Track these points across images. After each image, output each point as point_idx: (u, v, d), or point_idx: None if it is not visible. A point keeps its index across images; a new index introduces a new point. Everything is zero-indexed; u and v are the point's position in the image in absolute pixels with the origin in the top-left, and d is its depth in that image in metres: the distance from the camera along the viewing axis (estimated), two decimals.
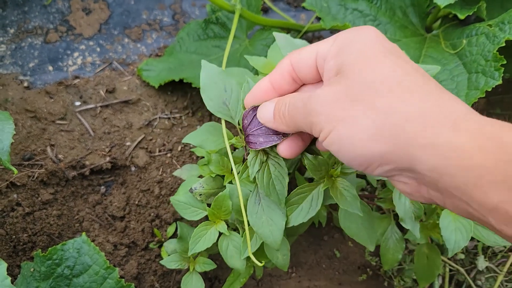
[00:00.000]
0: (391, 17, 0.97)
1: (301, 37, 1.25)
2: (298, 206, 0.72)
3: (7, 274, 0.94)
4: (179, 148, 1.09)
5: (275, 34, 0.72)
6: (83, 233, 0.83)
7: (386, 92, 0.42)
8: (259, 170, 0.66)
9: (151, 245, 1.01)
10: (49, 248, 0.80)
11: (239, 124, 0.72)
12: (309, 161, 0.68)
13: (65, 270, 0.81)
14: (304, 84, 0.59)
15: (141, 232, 1.02)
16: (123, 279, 0.80)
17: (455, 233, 0.74)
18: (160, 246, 1.01)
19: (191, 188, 0.79)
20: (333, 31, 1.31)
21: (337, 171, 0.68)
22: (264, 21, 1.10)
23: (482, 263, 1.03)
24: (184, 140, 0.79)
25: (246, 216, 0.74)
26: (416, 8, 0.99)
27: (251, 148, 0.63)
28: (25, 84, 1.12)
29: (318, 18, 1.31)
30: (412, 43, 0.94)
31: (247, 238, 0.74)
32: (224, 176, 0.80)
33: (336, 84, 0.47)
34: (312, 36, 1.28)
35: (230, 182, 0.78)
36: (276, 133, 0.60)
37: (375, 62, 0.45)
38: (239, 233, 0.80)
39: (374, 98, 0.43)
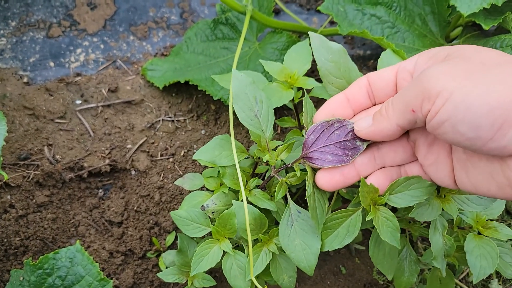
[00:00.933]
0: (410, 25, 0.92)
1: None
2: (334, 231, 0.68)
3: None
4: (182, 153, 1.05)
5: (310, 34, 0.67)
6: (77, 242, 0.79)
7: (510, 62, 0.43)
8: (311, 192, 0.62)
9: (148, 254, 0.97)
10: (40, 257, 0.75)
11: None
12: (363, 188, 0.63)
13: (56, 280, 0.76)
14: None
15: (138, 239, 0.97)
16: None
17: (480, 259, 0.69)
18: (158, 256, 0.97)
19: (202, 206, 0.74)
20: (347, 36, 1.26)
21: (383, 199, 0.64)
22: (276, 23, 1.05)
23: (495, 287, 0.98)
24: (195, 157, 0.74)
25: (251, 235, 0.70)
26: (436, 16, 0.94)
27: (316, 165, 0.59)
28: (25, 79, 1.08)
29: (331, 22, 1.26)
30: None
31: (250, 260, 0.69)
32: (239, 191, 0.75)
33: (451, 61, 0.46)
34: None
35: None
36: (345, 153, 0.58)
37: (482, 49, 0.46)
38: (244, 252, 0.75)
39: (502, 65, 0.42)
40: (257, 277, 0.78)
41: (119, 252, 0.96)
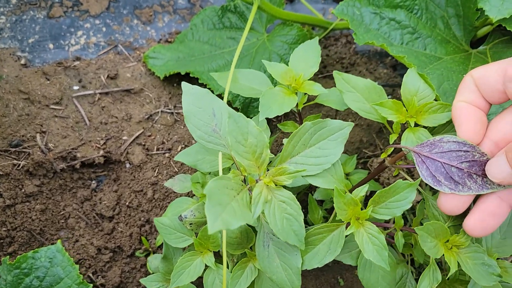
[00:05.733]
0: (432, 30, 0.84)
1: (327, 35, 1.12)
2: (314, 247, 0.63)
3: None
4: (179, 148, 1.00)
5: (183, 84, 0.63)
6: (59, 241, 0.76)
7: None
8: (267, 210, 0.57)
9: (137, 253, 0.93)
10: (18, 256, 0.72)
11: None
12: (339, 199, 0.58)
13: (34, 281, 0.73)
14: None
15: (128, 237, 0.94)
16: None
17: None
18: (148, 255, 0.93)
19: (180, 216, 0.69)
20: None
21: (367, 213, 0.58)
22: (286, 15, 0.98)
23: None
24: (177, 158, 0.70)
25: (227, 249, 0.65)
26: (461, 19, 0.85)
27: (435, 186, 0.55)
28: (22, 61, 1.03)
29: None
30: (455, 62, 0.81)
31: (224, 276, 0.64)
32: None
33: None
34: (340, 34, 1.15)
35: None
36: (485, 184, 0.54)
37: None
38: (229, 267, 0.71)
39: None
40: None
41: (107, 248, 0.93)
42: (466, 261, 0.58)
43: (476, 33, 0.89)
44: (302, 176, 0.60)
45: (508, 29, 0.76)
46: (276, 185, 0.59)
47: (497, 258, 0.64)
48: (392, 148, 0.63)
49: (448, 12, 0.83)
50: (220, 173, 0.65)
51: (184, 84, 0.64)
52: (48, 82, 1.01)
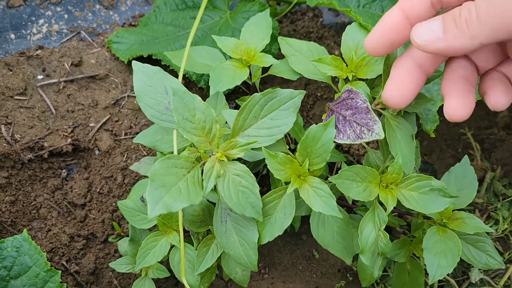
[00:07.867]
0: None
1: (292, 9, 1.11)
2: (270, 217, 0.62)
3: None
4: None
5: (133, 63, 0.61)
6: (24, 230, 0.75)
7: None
8: (221, 185, 0.56)
9: (110, 239, 0.93)
10: None
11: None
12: (270, 160, 0.58)
13: (1, 270, 0.73)
14: None
15: (101, 223, 0.94)
16: (65, 284, 0.73)
17: (439, 256, 0.63)
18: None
19: (142, 197, 0.69)
20: None
21: (304, 168, 0.58)
22: None
23: (476, 274, 0.93)
24: (135, 140, 0.69)
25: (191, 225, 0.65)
26: None
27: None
28: None
29: None
30: None
31: (182, 254, 0.64)
32: None
33: None
34: (307, 8, 1.14)
35: None
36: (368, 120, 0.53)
37: None
38: (194, 245, 0.71)
39: None
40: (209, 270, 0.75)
41: (80, 236, 0.93)
42: (410, 195, 0.57)
43: None
44: (252, 149, 0.60)
45: None
46: (229, 159, 0.59)
47: (453, 210, 0.64)
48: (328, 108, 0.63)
49: None
50: (175, 151, 0.64)
51: (134, 63, 0.63)
52: (11, 73, 1.00)
